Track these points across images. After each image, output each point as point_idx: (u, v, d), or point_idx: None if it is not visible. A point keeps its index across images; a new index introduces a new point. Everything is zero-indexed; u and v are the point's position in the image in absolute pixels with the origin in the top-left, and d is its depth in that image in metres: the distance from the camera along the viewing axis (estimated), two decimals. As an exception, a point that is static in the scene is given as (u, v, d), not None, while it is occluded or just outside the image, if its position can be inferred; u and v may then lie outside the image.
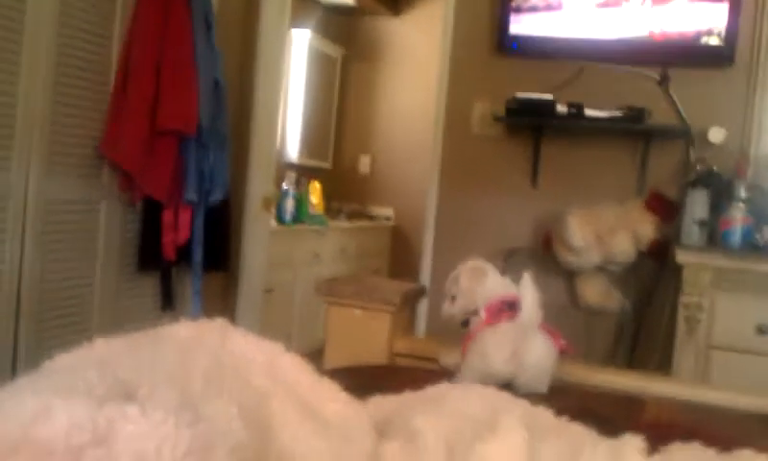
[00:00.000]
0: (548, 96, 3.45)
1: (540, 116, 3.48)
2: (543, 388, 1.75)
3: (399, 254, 6.00)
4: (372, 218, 6.03)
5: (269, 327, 3.92)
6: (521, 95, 3.44)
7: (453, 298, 1.90)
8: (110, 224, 2.93)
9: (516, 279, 1.78)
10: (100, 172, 2.87)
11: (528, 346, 1.73)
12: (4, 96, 2.40)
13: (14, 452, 0.64)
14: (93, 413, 0.68)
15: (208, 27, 3.09)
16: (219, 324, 1.27)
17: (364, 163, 6.18)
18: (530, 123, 3.58)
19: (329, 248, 5.15)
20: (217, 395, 0.95)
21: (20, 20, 2.43)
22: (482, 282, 1.86)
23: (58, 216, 2.66)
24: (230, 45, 3.48)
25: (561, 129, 3.60)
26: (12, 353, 2.52)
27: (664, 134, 3.51)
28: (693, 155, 3.43)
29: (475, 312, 1.83)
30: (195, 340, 1.17)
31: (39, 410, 0.67)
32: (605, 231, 3.38)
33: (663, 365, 3.36)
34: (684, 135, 3.46)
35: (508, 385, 1.68)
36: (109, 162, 2.87)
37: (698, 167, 3.32)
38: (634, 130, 3.50)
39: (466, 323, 1.85)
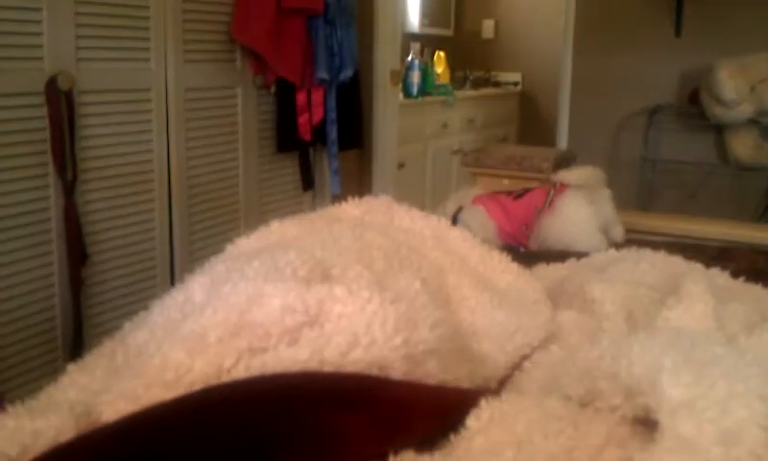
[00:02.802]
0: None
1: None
2: None
3: (529, 120, 5.84)
4: (498, 85, 5.86)
5: (403, 200, 3.93)
6: (662, -63, 3.19)
7: None
8: (247, 108, 2.97)
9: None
10: (233, 57, 2.89)
11: None
12: (137, -11, 2.44)
13: (235, 336, 0.67)
14: (303, 295, 0.69)
15: None
16: (384, 201, 1.27)
17: (487, 28, 5.97)
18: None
19: (457, 118, 5.07)
20: (399, 271, 0.95)
21: None
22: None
23: (197, 103, 2.72)
24: None
25: (706, -28, 3.33)
26: (169, 233, 2.65)
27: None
28: None
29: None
30: (365, 218, 1.18)
31: (253, 295, 0.68)
32: (758, 81, 3.15)
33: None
34: None
35: None
36: (242, 47, 2.88)
37: None
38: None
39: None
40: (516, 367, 0.99)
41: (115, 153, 2.40)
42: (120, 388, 0.67)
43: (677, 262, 1.35)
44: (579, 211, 1.89)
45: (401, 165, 4.15)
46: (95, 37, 2.30)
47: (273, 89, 3.06)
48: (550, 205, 1.89)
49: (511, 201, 1.94)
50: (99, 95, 2.33)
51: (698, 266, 1.33)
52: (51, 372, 2.23)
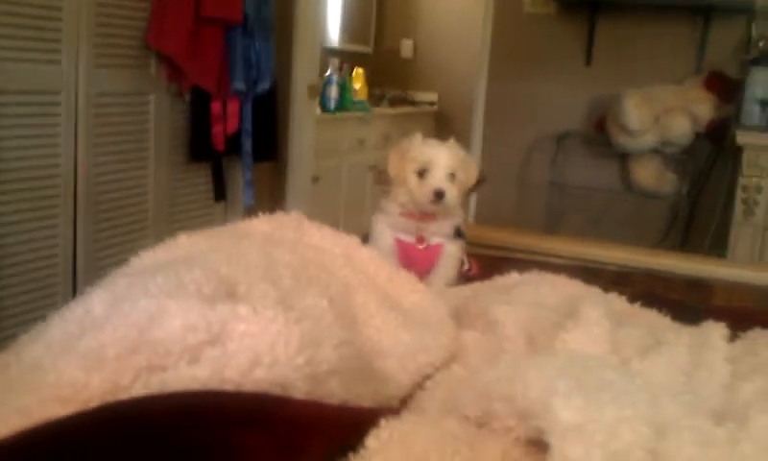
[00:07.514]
0: (604, -29, 3.31)
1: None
2: None
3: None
4: (415, 104, 5.93)
5: (316, 215, 3.91)
6: (575, -30, 3.31)
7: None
8: (160, 116, 2.92)
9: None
10: (147, 63, 2.83)
11: None
12: (50, -12, 2.37)
13: (134, 353, 0.66)
14: (206, 313, 0.69)
15: None
16: (295, 217, 1.27)
17: (406, 47, 6.04)
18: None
19: (373, 134, 5.10)
20: (306, 288, 0.96)
21: None
22: None
23: (108, 108, 2.65)
24: (271, -73, 3.35)
25: (617, 6, 3.47)
26: (73, 243, 2.56)
27: (725, 10, 3.36)
28: (755, 31, 3.28)
29: None
30: (275, 234, 1.18)
31: (155, 312, 0.67)
32: (661, 112, 3.30)
33: (716, 248, 3.33)
34: (745, 11, 3.31)
35: None
36: (157, 53, 2.83)
37: (760, 44, 3.19)
38: (693, 5, 3.35)
39: None
40: (419, 386, 1.01)
41: (19, 156, 2.32)
42: (14, 403, 0.65)
43: (576, 286, 1.40)
44: None
45: (316, 179, 4.14)
46: (2, 36, 2.22)
47: (187, 97, 3.02)
48: None
49: None
50: (4, 96, 2.24)
51: (596, 290, 1.38)
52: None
